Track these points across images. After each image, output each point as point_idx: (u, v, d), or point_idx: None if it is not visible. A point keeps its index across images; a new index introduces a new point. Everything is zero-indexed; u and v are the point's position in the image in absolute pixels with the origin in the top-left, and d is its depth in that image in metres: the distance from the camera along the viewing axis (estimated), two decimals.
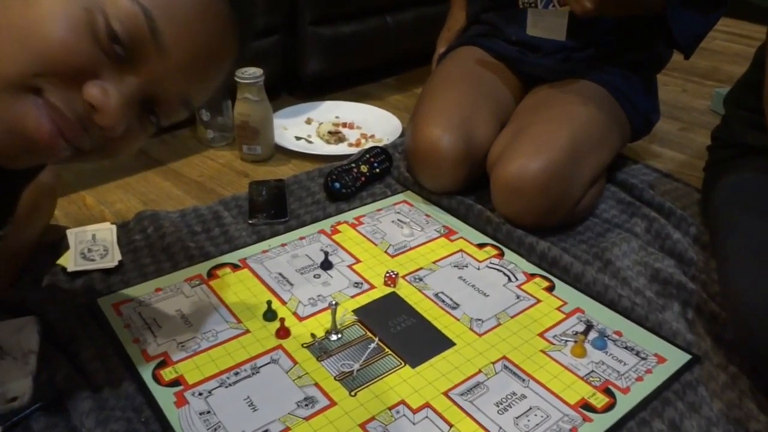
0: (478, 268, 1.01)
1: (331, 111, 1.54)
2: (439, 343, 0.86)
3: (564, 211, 1.07)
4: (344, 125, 1.47)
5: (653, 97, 1.26)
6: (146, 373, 0.80)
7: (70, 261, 0.97)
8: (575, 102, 1.12)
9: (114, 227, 1.05)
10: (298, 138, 1.41)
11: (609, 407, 0.77)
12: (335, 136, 1.41)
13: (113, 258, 0.99)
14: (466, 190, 1.17)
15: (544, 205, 1.03)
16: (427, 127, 1.11)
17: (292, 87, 1.67)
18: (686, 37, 1.10)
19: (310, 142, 1.41)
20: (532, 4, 1.07)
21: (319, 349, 0.85)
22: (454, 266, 1.01)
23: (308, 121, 1.49)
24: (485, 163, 1.12)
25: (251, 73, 1.26)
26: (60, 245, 1.02)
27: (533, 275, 1.00)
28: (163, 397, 0.77)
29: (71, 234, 1.02)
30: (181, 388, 0.78)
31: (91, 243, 1.01)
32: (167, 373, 0.80)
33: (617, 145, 1.18)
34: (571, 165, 1.04)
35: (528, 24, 1.11)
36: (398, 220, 1.13)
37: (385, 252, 1.04)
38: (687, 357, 0.85)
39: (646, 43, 1.19)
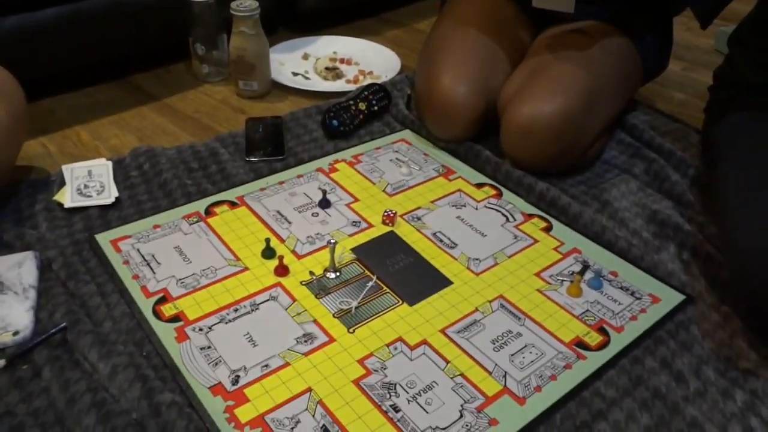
0: (476, 208, 1.01)
1: (329, 46, 1.50)
2: (437, 281, 0.87)
3: (574, 156, 1.06)
4: (342, 61, 1.45)
5: (668, 42, 1.23)
6: (146, 309, 0.81)
7: (66, 197, 0.97)
8: (593, 46, 1.08)
9: (110, 163, 1.04)
10: (295, 74, 1.39)
11: (603, 345, 0.79)
12: (333, 72, 1.38)
13: (110, 194, 0.98)
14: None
15: (555, 149, 1.01)
16: (442, 77, 1.07)
17: (289, 21, 1.63)
18: (702, 3, 1.05)
19: (307, 78, 1.38)
20: None
21: (318, 286, 0.85)
22: (452, 206, 1.01)
23: (305, 57, 1.46)
24: (497, 107, 1.09)
25: (247, 6, 1.22)
26: (52, 183, 1.01)
27: (531, 215, 1.00)
28: (164, 332, 0.78)
29: (67, 170, 1.01)
30: (181, 323, 0.79)
31: (87, 179, 1.00)
32: (167, 309, 0.81)
33: (631, 92, 1.16)
34: (586, 111, 1.02)
35: None
36: (396, 158, 1.12)
37: (383, 191, 1.04)
38: (681, 297, 0.86)
39: None
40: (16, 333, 0.76)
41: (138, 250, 0.90)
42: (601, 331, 0.81)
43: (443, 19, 1.19)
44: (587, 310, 0.84)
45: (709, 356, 0.78)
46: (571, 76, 1.02)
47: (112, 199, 0.97)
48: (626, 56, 1.11)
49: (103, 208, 0.97)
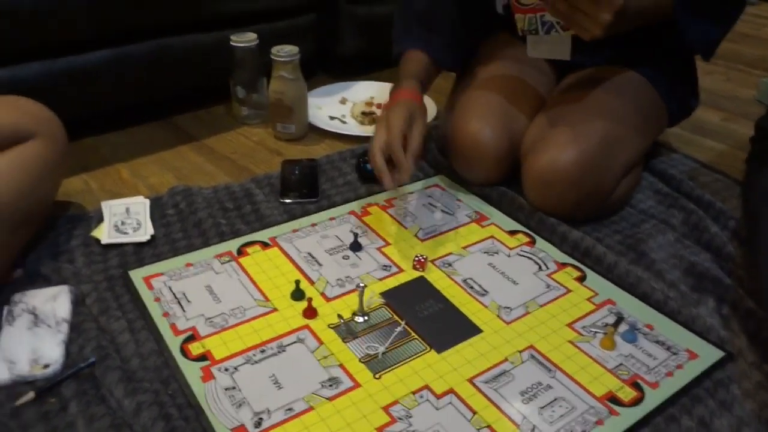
0: (509, 255, 1.00)
1: (366, 91, 1.53)
2: (466, 329, 0.86)
3: (597, 203, 1.05)
4: (378, 106, 1.46)
5: (692, 80, 1.22)
6: (174, 347, 0.81)
7: (103, 233, 0.99)
8: (609, 90, 1.09)
9: (147, 201, 1.06)
10: (332, 118, 1.41)
11: (637, 401, 0.76)
12: (369, 117, 1.40)
13: (146, 231, 1.00)
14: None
15: (576, 196, 1.01)
16: (469, 121, 1.09)
17: (328, 66, 1.67)
18: (702, 43, 1.05)
19: (344, 122, 1.40)
20: (532, 31, 1.03)
21: (346, 330, 0.85)
22: (485, 252, 1.00)
23: (343, 101, 1.49)
24: (519, 154, 1.10)
25: (287, 51, 1.25)
26: (90, 218, 1.04)
27: (564, 264, 0.98)
28: (191, 371, 0.78)
29: (106, 206, 1.04)
30: (208, 363, 0.79)
31: (125, 216, 1.02)
32: (195, 348, 0.81)
33: (653, 134, 1.15)
34: (603, 157, 1.01)
35: (528, 47, 1.07)
36: (429, 203, 1.12)
37: (415, 236, 1.03)
38: (720, 354, 0.83)
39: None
40: (46, 366, 0.77)
41: (170, 287, 0.91)
42: (635, 386, 0.78)
43: (470, 66, 1.21)
44: (621, 364, 0.81)
45: (750, 418, 0.75)
46: (587, 124, 1.02)
47: (148, 237, 0.99)
48: (645, 98, 1.11)
49: (139, 244, 0.99)
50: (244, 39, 1.31)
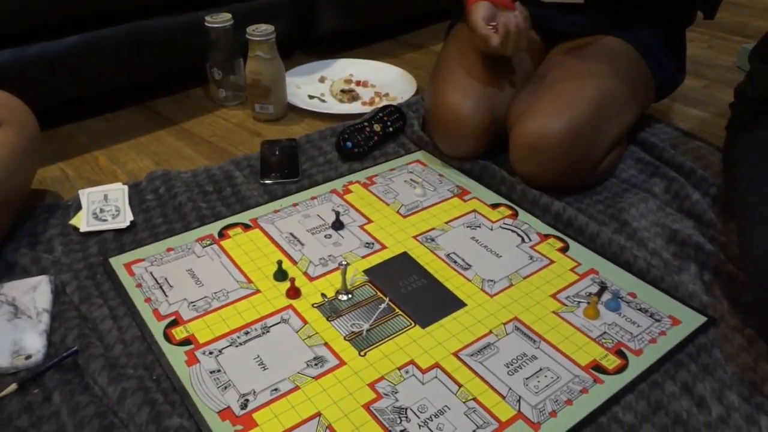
0: (491, 229, 1.00)
1: (345, 69, 1.51)
2: (450, 303, 0.86)
3: (583, 173, 1.04)
4: (358, 83, 1.45)
5: (681, 55, 1.22)
6: (158, 332, 0.80)
7: (82, 221, 0.98)
8: (601, 60, 1.08)
9: (125, 187, 1.05)
10: (311, 97, 1.40)
11: (621, 369, 0.76)
12: (348, 95, 1.39)
13: (125, 218, 0.99)
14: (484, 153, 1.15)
15: (563, 165, 1.01)
16: (449, 93, 1.08)
17: (306, 45, 1.65)
18: (706, 1, 1.05)
19: (324, 101, 1.39)
20: None
21: (330, 309, 0.84)
22: (467, 226, 1.00)
23: (321, 80, 1.47)
24: (505, 124, 1.09)
25: (262, 30, 1.24)
26: (68, 207, 1.02)
27: (547, 236, 0.98)
28: (174, 355, 0.77)
29: (83, 194, 1.02)
30: (191, 347, 0.79)
31: (103, 203, 1.01)
32: (178, 332, 0.81)
33: (642, 106, 1.15)
34: (594, 126, 1.01)
35: None
36: (411, 179, 1.11)
37: (397, 212, 1.03)
38: (702, 319, 0.83)
39: None
40: (28, 357, 0.76)
41: (151, 273, 0.90)
42: (619, 354, 0.78)
43: (452, 40, 1.20)
44: (605, 333, 0.81)
45: (733, 381, 0.76)
46: (578, 92, 1.01)
47: (127, 223, 0.98)
48: (635, 71, 1.10)
49: (118, 231, 0.97)
50: (219, 19, 1.29)
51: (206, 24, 1.29)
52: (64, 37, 1.21)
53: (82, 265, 0.91)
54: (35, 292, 0.85)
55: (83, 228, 0.97)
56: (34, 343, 0.78)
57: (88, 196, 1.02)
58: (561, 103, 1.00)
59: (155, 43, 1.31)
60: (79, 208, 1.01)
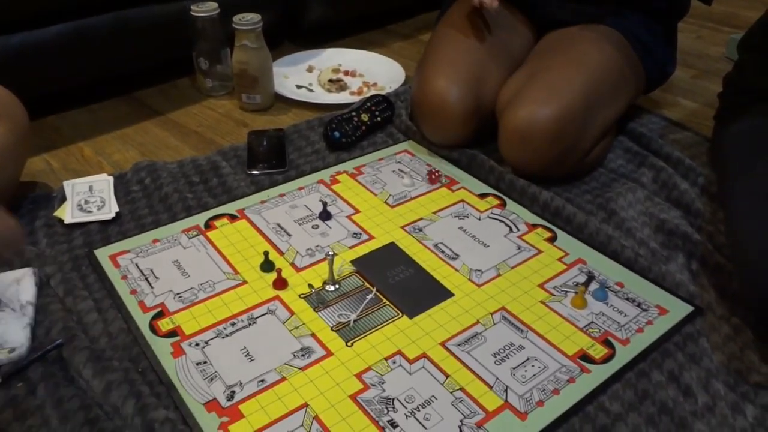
0: (479, 219, 0.99)
1: (333, 58, 1.50)
2: (438, 293, 0.85)
3: (572, 162, 1.04)
4: (346, 73, 1.44)
5: (672, 47, 1.22)
6: (143, 324, 0.80)
7: (66, 213, 0.97)
8: (592, 48, 1.07)
9: (111, 178, 1.04)
10: (299, 86, 1.39)
11: (608, 358, 0.77)
12: (336, 85, 1.38)
13: (110, 209, 0.98)
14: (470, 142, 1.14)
15: (552, 154, 1.00)
16: (435, 79, 1.07)
17: (293, 34, 1.64)
18: None
19: (311, 90, 1.38)
20: None
21: (317, 299, 0.84)
22: (455, 216, 1.00)
23: (309, 69, 1.46)
24: (493, 112, 1.09)
25: (249, 19, 1.22)
26: (53, 198, 1.01)
27: (535, 225, 0.98)
28: (160, 347, 0.77)
29: (68, 185, 1.01)
30: (177, 338, 0.78)
31: (88, 194, 1.00)
32: (164, 324, 0.80)
33: (631, 96, 1.15)
34: (583, 114, 1.00)
35: None
36: (399, 169, 1.11)
37: (385, 202, 1.02)
38: (689, 308, 0.84)
39: None
40: (12, 350, 0.75)
41: (136, 264, 0.89)
42: (606, 343, 0.79)
43: (440, 27, 1.19)
44: (592, 322, 0.81)
45: (719, 369, 0.76)
46: (568, 80, 1.01)
47: (112, 215, 0.97)
48: (625, 60, 1.10)
49: (104, 223, 0.97)
50: (205, 8, 1.27)
51: (192, 13, 1.27)
52: (47, 27, 1.19)
53: (66, 257, 0.90)
54: (19, 285, 0.84)
55: (68, 220, 0.96)
56: (17, 337, 0.77)
57: (73, 187, 1.01)
58: (550, 91, 1.00)
59: (140, 33, 1.30)
60: (63, 199, 1.00)
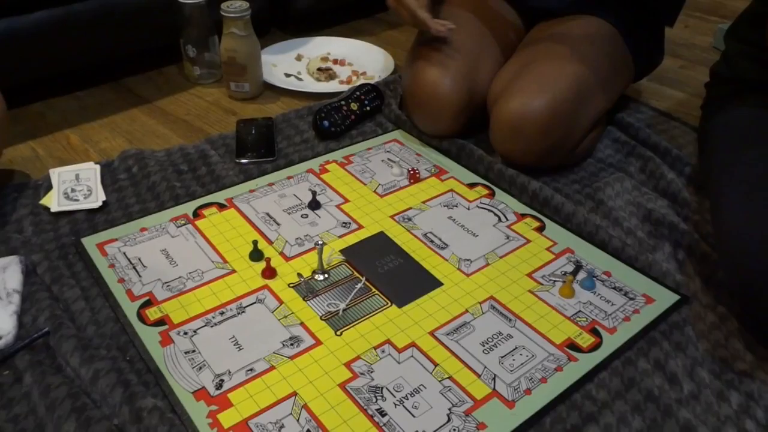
0: (468, 208, 1.00)
1: (322, 47, 1.49)
2: (427, 283, 0.86)
3: (563, 153, 1.04)
4: (335, 62, 1.44)
5: (660, 37, 1.22)
6: (131, 313, 0.79)
7: (53, 201, 0.96)
8: (582, 40, 1.07)
9: (98, 167, 1.03)
10: (287, 75, 1.38)
11: (595, 347, 0.77)
12: (325, 73, 1.37)
13: (97, 198, 0.97)
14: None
15: (544, 145, 1.00)
16: (428, 70, 1.07)
17: (282, 22, 1.62)
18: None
19: (300, 79, 1.37)
20: None
21: (306, 289, 0.84)
22: (444, 206, 1.00)
23: (298, 58, 1.45)
24: (485, 103, 1.09)
25: (237, 7, 1.21)
26: (39, 186, 1.00)
27: (524, 215, 0.99)
28: (148, 336, 0.77)
29: (54, 173, 1.00)
30: (166, 327, 0.78)
31: (75, 183, 0.99)
32: (152, 313, 0.80)
33: (621, 86, 1.15)
34: (575, 105, 1.01)
35: None
36: (388, 159, 1.10)
37: (374, 191, 1.02)
38: (675, 297, 0.84)
39: None
40: None
41: (124, 253, 0.88)
42: (594, 332, 0.79)
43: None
44: (579, 311, 0.82)
45: (704, 358, 0.77)
46: (559, 71, 1.01)
47: (99, 203, 0.96)
48: (615, 51, 1.10)
49: (91, 211, 0.96)
50: None
51: (179, 0, 1.26)
52: (32, 12, 1.17)
53: (53, 245, 0.90)
54: (5, 273, 0.83)
55: (54, 208, 0.95)
56: (4, 324, 0.76)
57: (59, 175, 1.00)
58: (542, 82, 1.00)
59: (127, 19, 1.28)
60: (49, 187, 0.99)
